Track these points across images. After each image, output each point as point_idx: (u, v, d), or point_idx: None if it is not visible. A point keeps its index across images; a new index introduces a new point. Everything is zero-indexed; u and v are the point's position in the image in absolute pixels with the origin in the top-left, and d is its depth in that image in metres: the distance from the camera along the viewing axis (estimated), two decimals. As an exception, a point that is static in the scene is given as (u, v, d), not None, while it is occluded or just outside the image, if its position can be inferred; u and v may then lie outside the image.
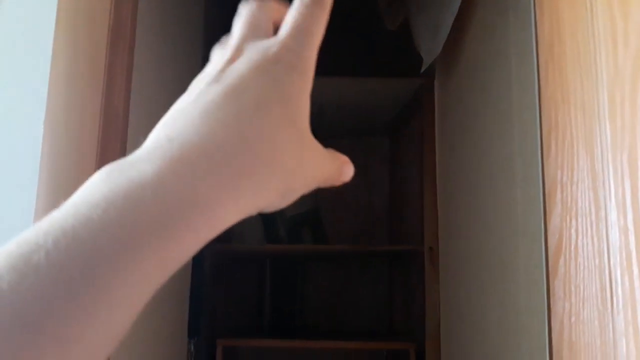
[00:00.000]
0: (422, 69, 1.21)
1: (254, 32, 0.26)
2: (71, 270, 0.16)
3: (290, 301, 1.84)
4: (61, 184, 0.56)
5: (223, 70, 0.24)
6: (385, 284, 1.84)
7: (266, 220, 1.78)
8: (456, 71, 1.18)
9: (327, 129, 1.81)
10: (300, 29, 0.26)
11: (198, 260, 1.37)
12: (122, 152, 0.65)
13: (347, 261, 1.87)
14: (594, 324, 0.47)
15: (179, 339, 1.23)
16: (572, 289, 0.51)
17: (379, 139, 1.90)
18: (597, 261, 0.47)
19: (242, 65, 0.24)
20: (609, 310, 0.45)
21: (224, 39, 0.28)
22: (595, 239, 0.48)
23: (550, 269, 0.56)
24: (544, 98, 0.62)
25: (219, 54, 0.26)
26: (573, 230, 0.52)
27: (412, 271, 1.57)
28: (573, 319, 0.51)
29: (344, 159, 0.29)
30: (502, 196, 0.90)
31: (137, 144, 0.22)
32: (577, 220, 0.51)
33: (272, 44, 0.25)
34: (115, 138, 0.65)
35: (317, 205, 1.88)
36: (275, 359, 1.79)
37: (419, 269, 1.43)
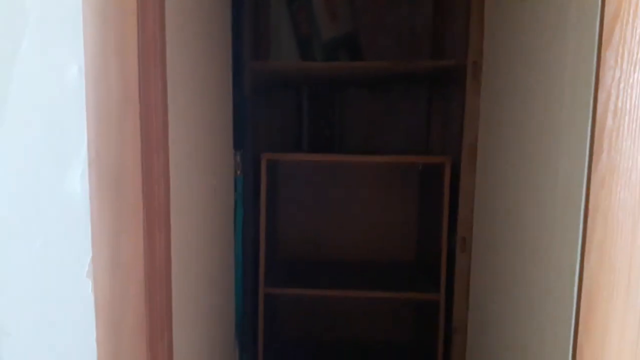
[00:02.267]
0: None
1: None
2: None
3: (328, 127, 1.88)
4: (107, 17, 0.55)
5: None
6: (424, 110, 1.85)
7: (301, 44, 1.75)
8: None
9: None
10: None
11: (237, 78, 1.38)
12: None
13: (386, 86, 1.86)
14: (644, 85, 0.47)
15: (225, 150, 1.30)
16: (625, 54, 0.49)
17: (423, -50, 1.76)
18: (657, 19, 0.45)
19: None
20: (663, 67, 0.44)
21: None
22: (659, -4, 0.45)
23: (603, 40, 0.54)
24: None
25: None
26: (635, -7, 0.49)
27: (452, 92, 1.56)
28: (622, 85, 0.50)
29: None
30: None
31: None
32: (641, -20, 0.48)
33: None
34: None
35: (355, 28, 1.82)
36: (314, 173, 1.89)
37: (460, 88, 1.42)
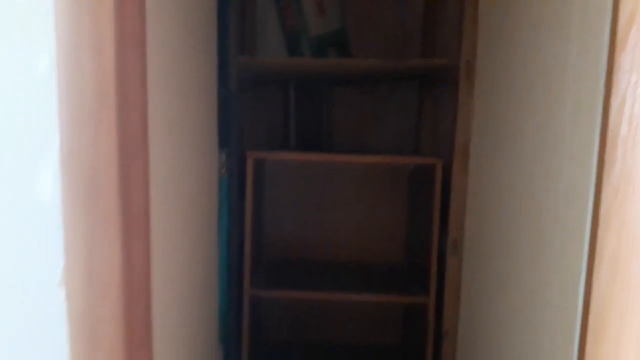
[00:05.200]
0: None
1: None
2: None
3: (316, 123, 1.83)
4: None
5: None
6: (414, 109, 1.81)
7: (289, 40, 1.70)
8: None
9: None
10: None
11: (223, 75, 1.33)
12: None
13: (375, 84, 1.82)
14: (665, 90, 0.44)
15: (210, 149, 1.25)
16: (644, 56, 0.46)
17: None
18: (681, 18, 0.42)
19: None
20: (688, 70, 0.41)
21: None
22: (684, -7, 0.42)
23: (617, 42, 0.51)
24: None
25: None
26: (655, -10, 0.46)
27: (444, 92, 1.53)
28: (638, 90, 0.47)
29: None
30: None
31: None
32: (663, -24, 0.45)
33: None
34: None
35: (343, 25, 1.78)
36: (302, 172, 1.85)
37: (452, 88, 1.38)
